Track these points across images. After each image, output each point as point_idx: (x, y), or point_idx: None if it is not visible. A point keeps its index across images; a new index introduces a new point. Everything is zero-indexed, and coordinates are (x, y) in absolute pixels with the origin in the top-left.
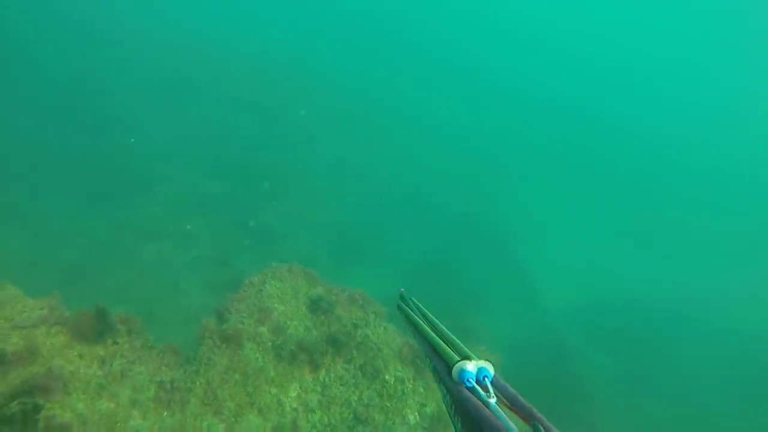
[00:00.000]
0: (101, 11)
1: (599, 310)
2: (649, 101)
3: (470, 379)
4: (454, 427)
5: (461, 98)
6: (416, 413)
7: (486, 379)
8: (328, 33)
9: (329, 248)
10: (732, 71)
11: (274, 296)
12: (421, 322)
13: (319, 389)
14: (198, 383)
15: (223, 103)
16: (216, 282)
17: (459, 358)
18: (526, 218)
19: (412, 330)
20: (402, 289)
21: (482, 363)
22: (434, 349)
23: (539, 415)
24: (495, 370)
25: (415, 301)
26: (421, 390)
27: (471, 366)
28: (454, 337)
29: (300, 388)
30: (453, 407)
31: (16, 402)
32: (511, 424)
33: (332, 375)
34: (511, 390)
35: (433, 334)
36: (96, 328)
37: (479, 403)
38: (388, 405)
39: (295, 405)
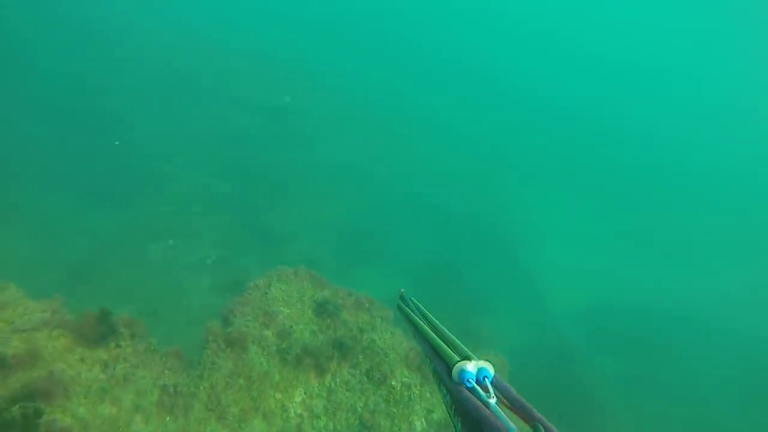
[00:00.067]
0: (106, 11)
1: (603, 312)
2: (654, 101)
3: (470, 380)
4: (454, 427)
5: (466, 98)
6: (423, 419)
7: (486, 379)
8: (333, 33)
9: (334, 249)
10: (733, 71)
11: (280, 299)
12: (421, 322)
13: (325, 394)
14: (202, 388)
15: (229, 102)
16: (221, 283)
17: (459, 359)
18: (530, 219)
19: (412, 330)
20: (402, 290)
21: (482, 363)
22: (434, 350)
23: (539, 415)
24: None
25: (415, 301)
26: (428, 396)
27: (471, 366)
28: (454, 338)
29: (305, 393)
30: (453, 407)
31: (17, 406)
32: (511, 425)
33: (338, 380)
34: (512, 390)
35: (433, 335)
36: (99, 331)
37: (479, 403)
38: (395, 411)
39: (300, 410)
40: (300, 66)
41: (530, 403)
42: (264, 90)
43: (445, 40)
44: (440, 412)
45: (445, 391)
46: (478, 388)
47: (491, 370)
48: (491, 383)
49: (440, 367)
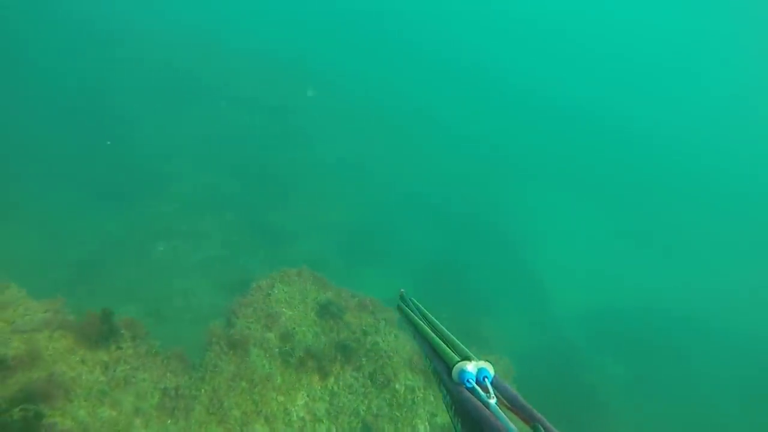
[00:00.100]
0: (109, 10)
1: (605, 313)
2: (656, 101)
3: (470, 380)
4: (455, 427)
5: (468, 98)
6: (426, 423)
7: (486, 379)
8: (336, 33)
9: (338, 249)
10: (734, 70)
11: (282, 301)
12: (421, 322)
13: (327, 398)
14: (203, 390)
15: (232, 102)
16: (225, 282)
17: (459, 359)
18: (533, 219)
19: (412, 330)
20: (402, 290)
21: (482, 363)
22: (434, 350)
23: (539, 415)
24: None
25: (415, 301)
26: (432, 399)
27: (471, 366)
28: (454, 338)
29: (308, 396)
30: (453, 408)
31: (18, 408)
32: (511, 425)
33: (341, 383)
34: (512, 391)
35: (433, 335)
36: (100, 332)
37: (479, 403)
38: (398, 415)
39: (302, 414)
40: (303, 66)
41: (531, 404)
42: (267, 89)
43: (448, 41)
44: (444, 416)
45: (445, 391)
46: (478, 389)
47: (491, 371)
48: (491, 383)
49: (440, 367)
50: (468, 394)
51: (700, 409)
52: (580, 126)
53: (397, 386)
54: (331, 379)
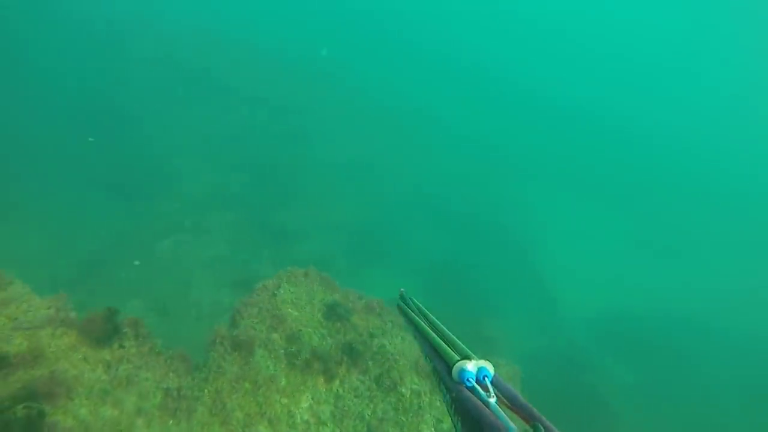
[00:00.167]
0: (122, 9)
1: (614, 317)
2: (667, 105)
3: (470, 379)
4: (454, 426)
5: (477, 100)
6: (432, 429)
7: (486, 378)
8: (346, 33)
9: (345, 248)
10: (738, 70)
11: (288, 302)
12: (421, 322)
13: (332, 401)
14: (206, 391)
15: (242, 101)
16: (230, 280)
17: (459, 358)
18: (541, 222)
19: (412, 330)
20: (402, 289)
21: (482, 362)
22: (434, 349)
23: (539, 415)
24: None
25: (415, 301)
26: (438, 404)
27: (471, 366)
28: (454, 337)
29: (312, 398)
30: (453, 407)
31: (21, 406)
32: (511, 424)
33: (346, 386)
34: (512, 390)
35: (433, 334)
36: (104, 330)
37: (479, 402)
38: (404, 419)
39: (306, 417)
40: (312, 65)
41: (535, 405)
42: (274, 88)
43: (458, 42)
44: (450, 422)
45: (445, 390)
46: (478, 388)
47: (491, 370)
48: (491, 382)
49: (440, 366)
50: (468, 393)
51: (705, 412)
52: (591, 129)
53: (403, 390)
54: (337, 382)
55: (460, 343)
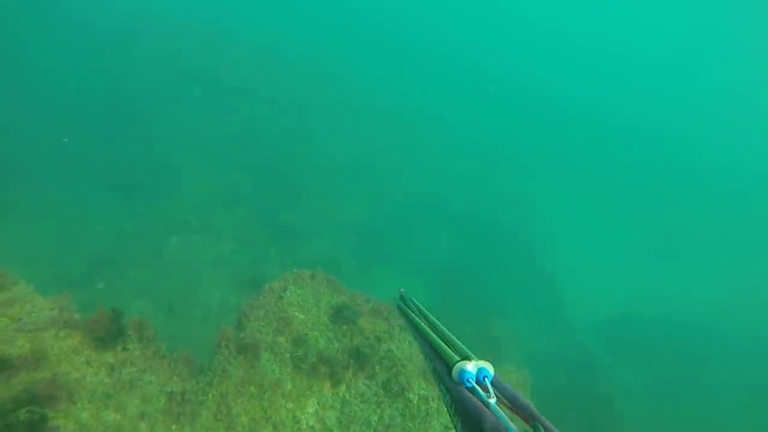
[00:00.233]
0: (127, 9)
1: (627, 324)
2: (682, 109)
3: (470, 379)
4: (455, 427)
5: (487, 100)
6: None
7: (486, 379)
8: (354, 34)
9: (351, 249)
10: (746, 69)
11: (295, 304)
12: (421, 322)
13: (339, 406)
14: (211, 396)
15: (250, 101)
16: (237, 279)
17: (459, 358)
18: (553, 226)
19: (412, 330)
20: (402, 290)
21: (482, 363)
22: (434, 350)
23: (539, 415)
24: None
25: (415, 301)
26: (446, 410)
27: (471, 366)
28: (454, 338)
29: (318, 403)
30: (453, 407)
31: (24, 410)
32: (511, 424)
33: (353, 391)
34: (512, 390)
35: (433, 335)
36: (107, 332)
37: (479, 403)
38: (411, 426)
39: (312, 422)
40: (320, 65)
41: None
42: (281, 88)
43: (466, 43)
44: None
45: (444, 390)
46: (478, 388)
47: (491, 370)
48: (491, 383)
49: (440, 366)
50: (468, 393)
51: (716, 420)
52: (603, 132)
53: (410, 396)
54: (343, 387)
55: (459, 343)
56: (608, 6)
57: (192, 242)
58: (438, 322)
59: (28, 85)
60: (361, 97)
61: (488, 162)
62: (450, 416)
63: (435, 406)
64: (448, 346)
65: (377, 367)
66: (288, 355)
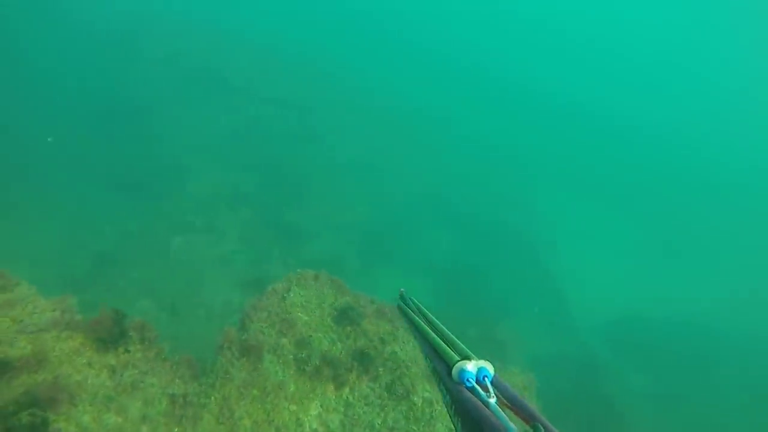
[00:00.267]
0: (132, 8)
1: (630, 325)
2: (690, 111)
3: (470, 379)
4: (455, 426)
5: (492, 101)
6: None
7: (486, 379)
8: (357, 34)
9: (355, 249)
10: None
11: (298, 305)
12: (421, 322)
13: (342, 409)
14: (213, 398)
15: (254, 101)
16: (240, 279)
17: (459, 358)
18: (556, 226)
19: (412, 330)
20: (402, 289)
21: (482, 363)
22: (434, 349)
23: (539, 415)
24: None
25: (415, 301)
26: None
27: (471, 366)
28: (454, 337)
29: (321, 406)
30: (453, 407)
31: (26, 413)
32: (511, 424)
33: (356, 393)
34: (512, 390)
35: (433, 334)
36: (109, 333)
37: (479, 403)
38: (415, 429)
39: (315, 425)
40: (324, 66)
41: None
42: (285, 89)
43: (470, 44)
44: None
45: (444, 390)
46: (478, 388)
47: (491, 370)
48: (491, 383)
49: (440, 366)
50: (468, 393)
51: (720, 420)
52: (609, 133)
53: (415, 399)
54: (347, 389)
55: (459, 343)
56: (609, 6)
57: (195, 242)
58: (438, 322)
59: (32, 83)
60: (365, 98)
61: (492, 162)
62: (450, 416)
63: (439, 409)
64: (448, 346)
65: (381, 370)
66: (291, 356)
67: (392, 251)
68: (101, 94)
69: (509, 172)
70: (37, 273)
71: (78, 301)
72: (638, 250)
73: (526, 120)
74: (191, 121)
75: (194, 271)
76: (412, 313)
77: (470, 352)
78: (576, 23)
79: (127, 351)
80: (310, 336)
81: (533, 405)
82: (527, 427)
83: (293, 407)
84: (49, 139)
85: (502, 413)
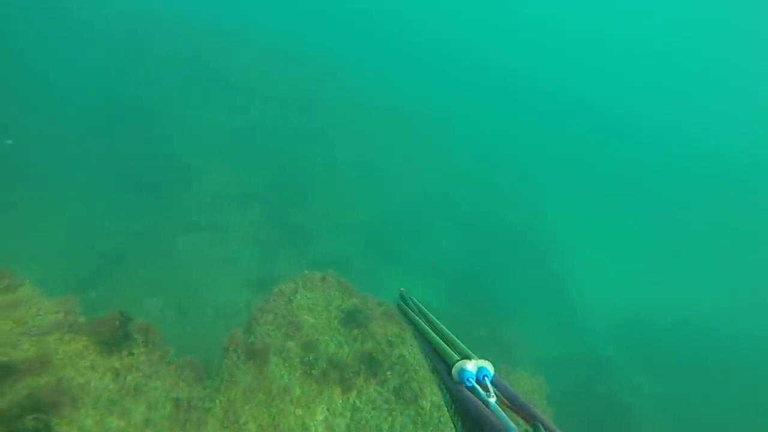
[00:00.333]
0: (139, 7)
1: (638, 326)
2: (696, 113)
3: (470, 379)
4: (455, 426)
5: (499, 103)
6: None
7: (486, 378)
8: (363, 35)
9: (361, 249)
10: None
11: (305, 308)
12: (421, 321)
13: (349, 413)
14: (218, 402)
15: (262, 101)
16: (246, 279)
17: (459, 358)
18: (566, 228)
19: (412, 330)
20: (402, 289)
21: (482, 362)
22: (434, 349)
23: (540, 414)
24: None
25: (415, 300)
26: None
27: (471, 365)
28: (454, 337)
29: (328, 410)
30: (453, 407)
31: (31, 417)
32: (511, 424)
33: (364, 398)
34: (512, 389)
35: (433, 334)
36: (113, 335)
37: (479, 402)
38: None
39: (321, 430)
40: (331, 66)
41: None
42: (292, 89)
43: (473, 45)
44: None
45: (445, 390)
46: (478, 387)
47: (491, 369)
48: (491, 382)
49: (440, 366)
50: (468, 393)
51: (728, 422)
52: (617, 136)
53: (423, 403)
54: (354, 393)
55: (460, 342)
56: (609, 6)
57: (202, 242)
58: (438, 321)
59: (39, 84)
60: (372, 98)
61: (499, 163)
62: (450, 416)
63: (447, 413)
64: (448, 345)
65: (389, 373)
66: (297, 360)
67: (399, 251)
68: (106, 94)
69: (516, 173)
70: (41, 273)
71: (83, 301)
72: (644, 250)
73: (531, 120)
74: (196, 121)
75: (201, 270)
76: (412, 313)
77: (470, 352)
78: (577, 23)
79: (131, 354)
80: (317, 339)
81: (533, 404)
82: (527, 427)
83: (299, 411)
84: (8, 142)
85: (502, 413)
